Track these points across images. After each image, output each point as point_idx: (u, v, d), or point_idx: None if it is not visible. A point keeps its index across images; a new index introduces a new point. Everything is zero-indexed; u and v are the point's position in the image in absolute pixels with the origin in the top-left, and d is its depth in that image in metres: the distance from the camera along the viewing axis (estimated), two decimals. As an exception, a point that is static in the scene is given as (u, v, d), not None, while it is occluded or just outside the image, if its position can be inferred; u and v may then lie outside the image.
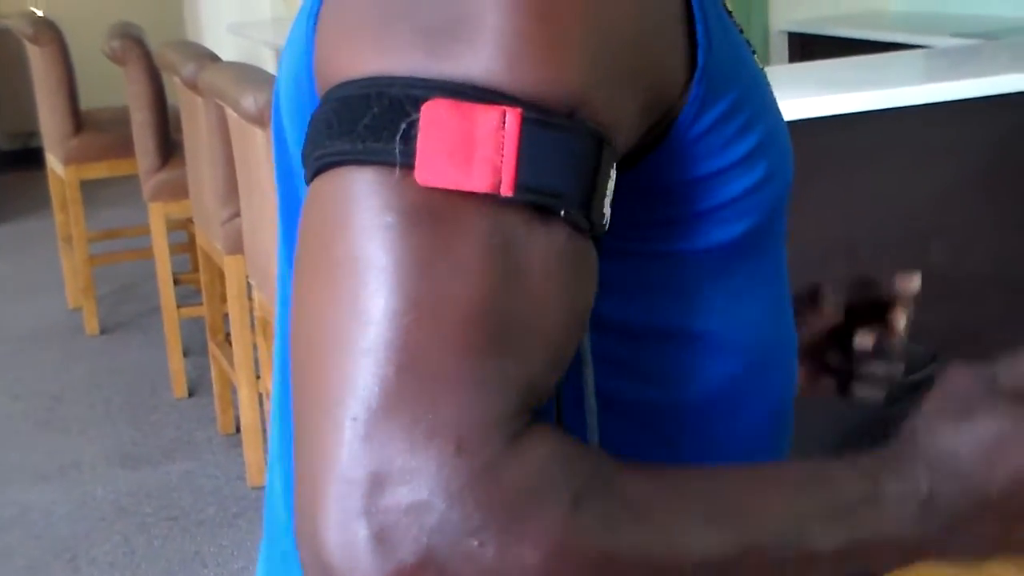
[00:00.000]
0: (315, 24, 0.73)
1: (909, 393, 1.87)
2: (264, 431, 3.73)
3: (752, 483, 0.70)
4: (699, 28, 0.73)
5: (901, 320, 1.06)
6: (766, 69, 0.86)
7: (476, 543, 0.60)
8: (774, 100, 0.84)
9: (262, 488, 3.76)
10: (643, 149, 0.73)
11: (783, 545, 0.69)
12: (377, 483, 0.61)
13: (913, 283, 1.07)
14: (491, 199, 0.64)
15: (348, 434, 0.61)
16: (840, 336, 1.10)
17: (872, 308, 1.09)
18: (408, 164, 0.64)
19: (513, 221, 0.65)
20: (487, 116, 0.64)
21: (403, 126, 0.64)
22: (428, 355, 0.62)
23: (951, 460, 0.72)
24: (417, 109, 0.64)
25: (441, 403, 0.61)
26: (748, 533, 0.68)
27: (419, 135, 0.64)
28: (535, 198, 0.65)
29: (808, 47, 5.71)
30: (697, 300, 0.80)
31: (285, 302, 0.91)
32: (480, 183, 0.63)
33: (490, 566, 0.60)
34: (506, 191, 0.64)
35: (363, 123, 0.65)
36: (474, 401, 0.62)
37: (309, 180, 0.69)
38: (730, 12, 0.81)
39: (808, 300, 1.07)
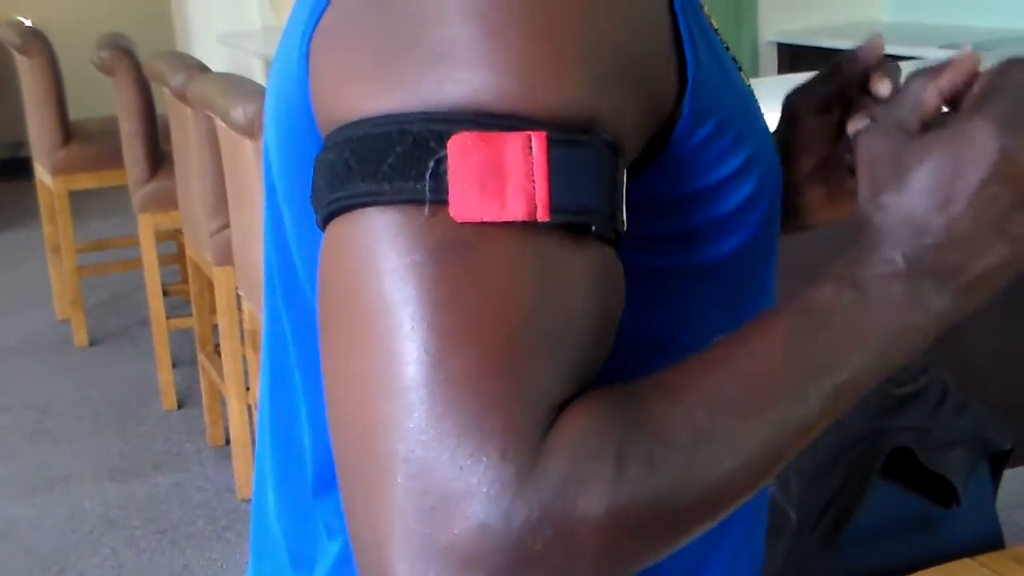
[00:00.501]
0: (308, 48, 0.72)
1: (901, 406, 1.88)
2: (254, 443, 3.72)
3: (757, 355, 0.70)
4: (687, 46, 0.73)
5: (883, 86, 0.94)
6: (755, 81, 0.85)
7: (538, 547, 0.61)
8: (762, 116, 0.84)
9: (251, 500, 3.76)
10: (641, 161, 0.73)
11: (808, 399, 0.69)
12: (437, 517, 0.61)
13: (877, 43, 0.97)
14: (526, 225, 0.64)
15: (402, 476, 0.62)
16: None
17: (858, 92, 0.98)
18: (439, 200, 0.64)
19: (548, 243, 0.65)
20: (513, 143, 0.64)
21: (431, 163, 0.64)
22: (472, 384, 0.62)
23: (911, 222, 0.71)
24: (443, 145, 0.64)
25: (486, 426, 0.62)
26: (776, 411, 0.68)
27: (449, 171, 0.63)
28: (569, 218, 0.65)
29: (797, 58, 5.73)
30: (689, 314, 0.81)
31: (272, 314, 0.91)
32: (516, 212, 0.64)
33: (555, 562, 0.62)
34: (542, 216, 0.64)
35: (387, 163, 0.64)
36: (516, 417, 0.62)
37: (323, 224, 0.69)
38: (716, 30, 0.81)
39: (791, 124, 0.99)
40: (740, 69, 0.84)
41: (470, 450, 0.61)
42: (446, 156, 0.63)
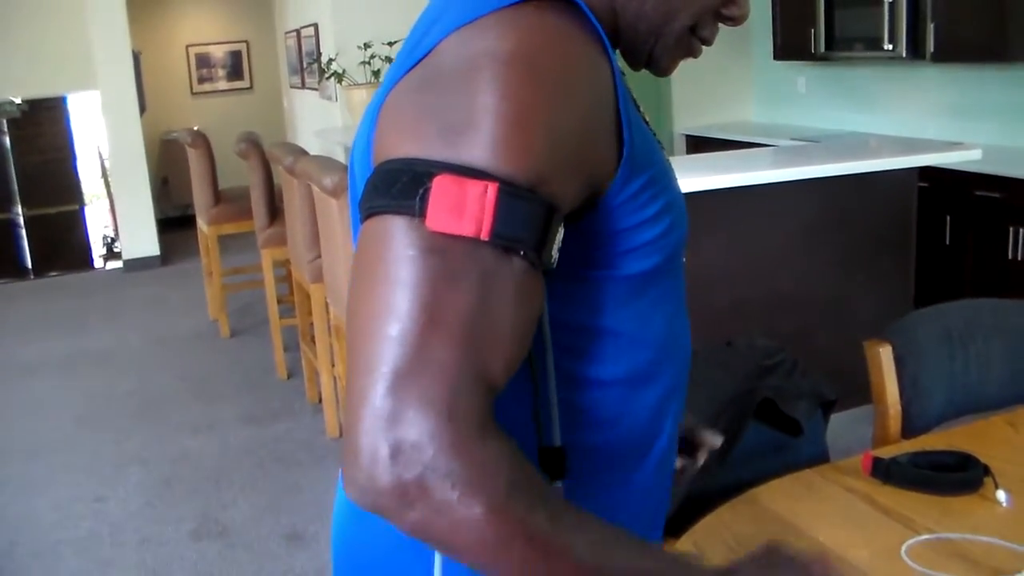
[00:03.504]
0: (375, 119, 0.74)
1: (767, 372, 1.87)
2: (337, 400, 3.72)
3: (626, 542, 0.69)
4: (625, 130, 0.73)
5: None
6: (672, 158, 0.84)
7: (449, 484, 0.61)
8: (675, 178, 0.84)
9: (337, 439, 3.78)
10: (583, 209, 0.73)
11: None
12: (394, 420, 0.62)
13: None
14: (474, 241, 0.65)
15: (380, 386, 0.62)
16: None
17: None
18: (424, 215, 0.65)
19: (488, 256, 0.66)
20: (475, 187, 0.65)
21: (421, 191, 0.65)
22: (431, 344, 0.63)
23: None
24: (431, 180, 0.65)
25: (439, 377, 0.63)
26: (610, 565, 0.67)
27: (430, 197, 0.65)
28: (503, 242, 0.66)
29: (699, 145, 5.75)
30: (622, 309, 0.79)
31: None
32: (468, 229, 0.65)
33: (451, 499, 0.62)
34: (484, 236, 0.65)
35: (396, 187, 0.66)
36: (460, 380, 0.63)
37: (362, 221, 0.70)
38: (647, 121, 0.81)
39: None
40: (662, 147, 0.83)
41: (428, 394, 0.62)
42: (431, 188, 0.65)
